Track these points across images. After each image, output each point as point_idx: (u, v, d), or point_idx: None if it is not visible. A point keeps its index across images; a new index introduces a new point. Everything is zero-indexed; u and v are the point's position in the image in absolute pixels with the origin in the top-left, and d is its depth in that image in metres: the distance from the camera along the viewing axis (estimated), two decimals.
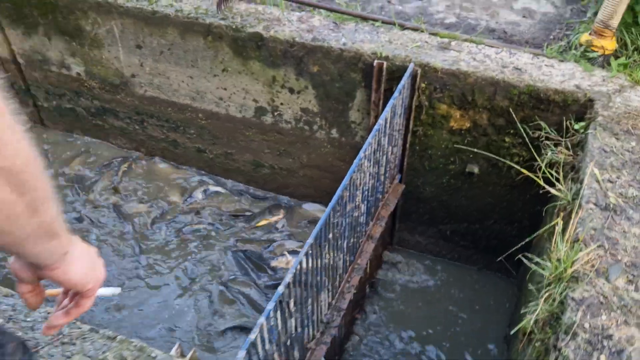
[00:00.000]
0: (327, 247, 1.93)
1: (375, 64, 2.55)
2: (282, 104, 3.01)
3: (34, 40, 3.48)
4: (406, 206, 3.09)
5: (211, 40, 2.91)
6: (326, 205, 3.37)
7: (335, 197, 1.87)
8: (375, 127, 2.13)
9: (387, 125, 2.31)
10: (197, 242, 3.22)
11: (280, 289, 1.58)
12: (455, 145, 2.70)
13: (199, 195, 3.50)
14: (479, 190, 2.82)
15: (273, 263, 3.13)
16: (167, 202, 3.47)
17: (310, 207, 3.42)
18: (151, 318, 2.84)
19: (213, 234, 3.28)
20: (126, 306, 2.89)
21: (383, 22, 2.78)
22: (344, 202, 2.00)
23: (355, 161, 1.99)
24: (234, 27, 2.80)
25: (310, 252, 1.74)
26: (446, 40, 2.65)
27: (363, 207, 2.33)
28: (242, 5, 2.93)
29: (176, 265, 3.10)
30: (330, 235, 1.93)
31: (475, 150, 2.63)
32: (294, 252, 3.17)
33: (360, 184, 2.15)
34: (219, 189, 3.55)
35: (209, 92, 3.17)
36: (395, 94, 2.30)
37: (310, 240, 1.74)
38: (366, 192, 2.29)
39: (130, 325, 2.81)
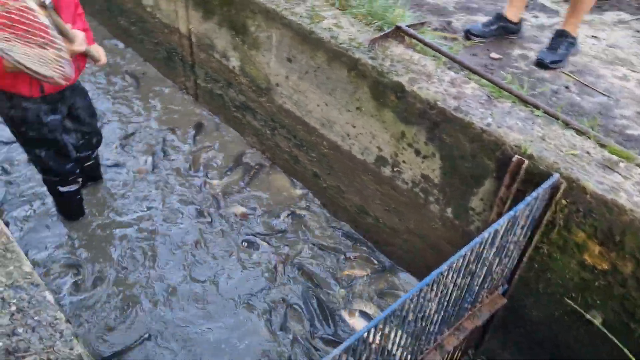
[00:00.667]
0: (392, 333, 1.68)
1: (514, 159, 2.16)
2: (404, 162, 2.75)
3: (208, 25, 3.64)
4: (505, 319, 2.64)
5: (354, 75, 2.74)
6: (418, 279, 3.04)
7: (406, 297, 1.60)
8: (477, 238, 1.78)
9: (499, 237, 1.93)
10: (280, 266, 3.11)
11: (335, 352, 1.38)
12: (582, 281, 2.20)
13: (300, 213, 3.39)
14: (600, 343, 2.27)
15: (342, 313, 2.90)
16: (270, 213, 3.42)
17: (401, 276, 3.10)
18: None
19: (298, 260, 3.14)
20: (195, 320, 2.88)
21: (545, 111, 2.35)
22: (419, 303, 1.71)
23: (434, 273, 1.67)
24: (379, 69, 2.60)
25: (375, 329, 1.52)
26: (614, 157, 2.15)
27: (437, 317, 1.99)
28: (398, 49, 2.71)
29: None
30: (396, 323, 1.67)
31: (605, 299, 2.11)
32: (364, 315, 2.90)
33: (438, 294, 1.83)
34: (320, 216, 3.40)
35: (338, 124, 3.02)
36: (525, 202, 1.91)
37: (380, 317, 1.51)
38: (444, 303, 1.95)
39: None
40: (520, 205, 1.92)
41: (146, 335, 2.68)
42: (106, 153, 3.72)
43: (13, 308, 1.51)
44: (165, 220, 3.30)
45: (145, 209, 3.37)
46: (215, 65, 3.81)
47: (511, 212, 1.89)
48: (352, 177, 3.15)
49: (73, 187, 3.06)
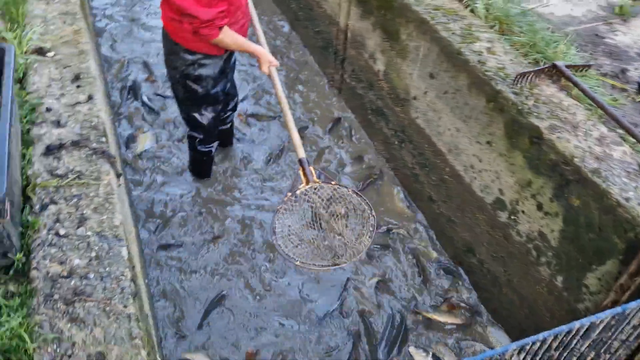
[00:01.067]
0: None
1: None
2: (523, 212, 2.48)
3: (364, 24, 3.63)
4: None
5: (492, 107, 2.53)
6: (510, 337, 2.76)
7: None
8: (564, 327, 1.54)
9: (597, 331, 1.65)
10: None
11: None
12: None
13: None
14: None
15: (411, 349, 2.74)
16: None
17: (492, 333, 2.83)
18: None
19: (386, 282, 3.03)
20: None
21: None
22: None
23: (509, 346, 1.48)
24: (519, 107, 2.36)
25: None
26: None
27: None
28: (549, 89, 2.43)
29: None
30: None
31: None
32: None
33: None
34: (424, 241, 3.24)
35: (465, 154, 2.83)
36: None
37: None
38: None
39: None
40: (634, 304, 1.62)
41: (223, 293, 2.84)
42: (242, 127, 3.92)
43: (93, 254, 1.65)
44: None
45: (260, 191, 3.47)
46: (363, 65, 3.79)
47: (619, 309, 1.60)
48: (466, 211, 2.93)
49: (212, 147, 3.28)
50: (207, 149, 3.25)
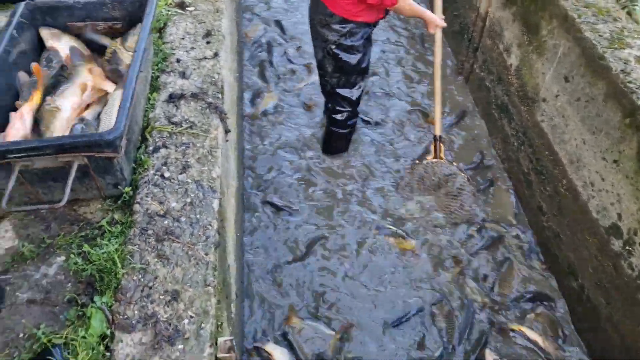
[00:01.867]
0: None
1: None
2: None
3: (504, 14, 3.41)
4: None
5: (627, 123, 2.27)
6: None
7: None
8: None
9: None
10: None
11: None
12: None
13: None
14: None
15: (487, 352, 2.64)
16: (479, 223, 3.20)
17: None
18: None
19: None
20: None
21: None
22: None
23: None
24: None
25: None
26: None
27: None
28: None
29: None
30: None
31: None
32: None
33: None
34: (525, 253, 3.05)
35: (587, 169, 2.58)
36: None
37: None
38: None
39: None
40: None
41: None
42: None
43: (188, 200, 1.78)
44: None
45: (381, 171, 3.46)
46: (495, 56, 3.58)
47: None
48: (576, 230, 2.70)
49: (357, 119, 3.31)
50: (353, 122, 3.26)
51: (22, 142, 1.66)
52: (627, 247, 2.31)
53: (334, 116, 3.20)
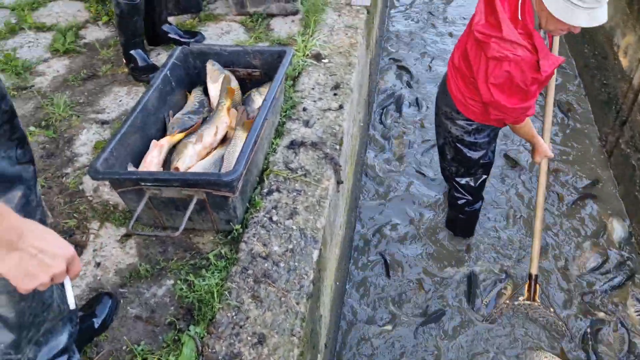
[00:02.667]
0: None
1: None
2: None
3: None
4: None
5: None
6: None
7: None
8: None
9: None
10: None
11: None
12: None
13: None
14: None
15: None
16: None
17: None
18: None
19: None
20: None
21: None
22: None
23: None
24: None
25: None
26: None
27: None
28: None
29: None
30: None
31: None
32: None
33: None
34: None
35: None
36: None
37: None
38: None
39: None
40: None
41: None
42: None
43: (290, 246, 1.84)
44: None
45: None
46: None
47: None
48: None
49: (479, 205, 3.09)
50: (473, 209, 3.08)
51: (155, 173, 1.85)
52: None
53: (452, 200, 3.07)
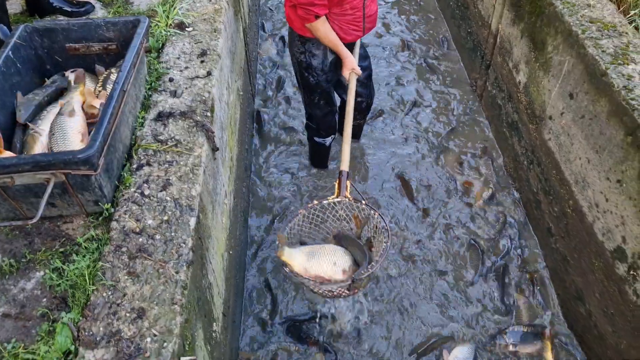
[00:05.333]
0: None
1: None
2: None
3: (513, 30, 3.34)
4: None
5: (629, 142, 2.17)
6: None
7: None
8: None
9: None
10: None
11: None
12: None
13: None
14: None
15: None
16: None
17: None
18: None
19: None
20: None
21: None
22: None
23: None
24: None
25: None
26: None
27: None
28: None
29: None
30: None
31: None
32: None
33: None
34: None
35: (591, 189, 2.48)
36: None
37: None
38: None
39: None
40: None
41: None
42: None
43: (165, 217, 1.79)
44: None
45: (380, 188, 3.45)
46: (505, 73, 3.51)
47: None
48: (582, 254, 2.59)
49: (326, 140, 3.31)
50: (320, 141, 3.29)
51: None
52: (632, 272, 2.20)
53: (306, 129, 3.36)
